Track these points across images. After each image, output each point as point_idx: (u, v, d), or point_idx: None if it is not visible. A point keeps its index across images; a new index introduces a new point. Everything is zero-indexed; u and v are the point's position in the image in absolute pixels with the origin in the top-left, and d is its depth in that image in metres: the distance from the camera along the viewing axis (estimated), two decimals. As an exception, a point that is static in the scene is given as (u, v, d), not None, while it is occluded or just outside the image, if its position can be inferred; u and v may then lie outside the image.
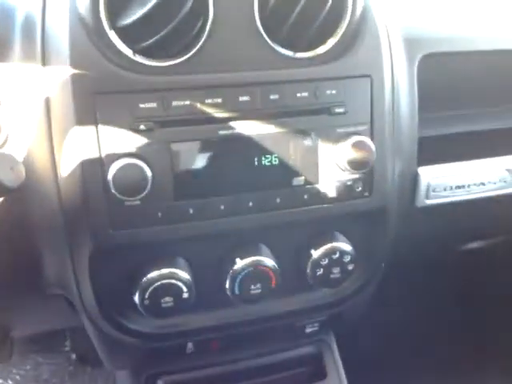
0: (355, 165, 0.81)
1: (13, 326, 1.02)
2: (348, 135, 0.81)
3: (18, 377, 1.63)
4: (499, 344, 1.51)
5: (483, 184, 1.02)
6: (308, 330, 1.02)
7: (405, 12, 0.96)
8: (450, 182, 1.00)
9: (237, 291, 0.83)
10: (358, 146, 0.80)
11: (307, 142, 0.81)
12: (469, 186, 1.02)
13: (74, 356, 1.68)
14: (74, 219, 0.77)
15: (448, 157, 0.98)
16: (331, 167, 0.83)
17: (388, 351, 1.44)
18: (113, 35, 0.72)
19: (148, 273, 0.78)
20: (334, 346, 1.08)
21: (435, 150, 0.96)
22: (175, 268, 0.79)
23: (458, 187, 1.01)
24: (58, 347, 1.68)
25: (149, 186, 0.73)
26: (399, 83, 0.88)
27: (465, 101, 1.02)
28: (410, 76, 0.90)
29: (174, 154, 0.75)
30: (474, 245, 1.31)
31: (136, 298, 0.79)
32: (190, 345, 0.95)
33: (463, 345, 1.52)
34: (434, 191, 0.99)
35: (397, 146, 0.88)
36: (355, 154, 0.80)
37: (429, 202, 0.99)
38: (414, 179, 0.96)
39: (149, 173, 0.72)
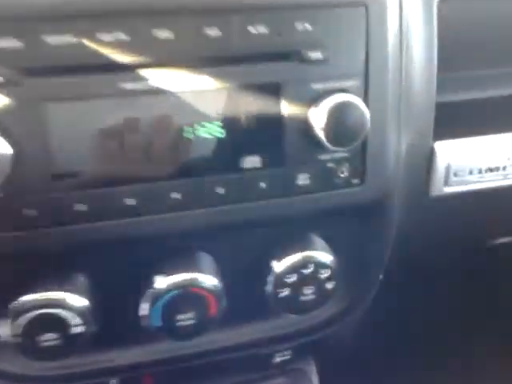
0: (337, 138, 0.59)
1: None
2: (327, 94, 0.59)
3: None
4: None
5: (523, 165, 0.85)
6: (277, 360, 0.80)
7: None
8: (478, 162, 0.80)
9: (158, 322, 0.59)
10: (341, 109, 0.58)
11: (265, 103, 0.59)
12: (505, 167, 0.82)
13: None
14: None
15: (472, 130, 0.80)
16: (302, 142, 0.61)
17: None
18: None
19: (18, 297, 0.56)
20: (314, 377, 0.85)
21: (455, 121, 0.78)
22: (64, 290, 0.57)
23: (490, 170, 0.82)
24: None
25: (8, 171, 0.52)
26: (411, 23, 0.68)
27: (494, 59, 0.83)
28: (426, 14, 0.70)
29: (49, 121, 0.54)
30: (502, 240, 1.07)
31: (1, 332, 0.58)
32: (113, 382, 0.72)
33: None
34: (455, 175, 0.80)
35: (405, 112, 0.68)
36: (337, 122, 0.58)
37: (448, 189, 0.79)
38: (429, 159, 0.76)
39: (8, 151, 0.52)
